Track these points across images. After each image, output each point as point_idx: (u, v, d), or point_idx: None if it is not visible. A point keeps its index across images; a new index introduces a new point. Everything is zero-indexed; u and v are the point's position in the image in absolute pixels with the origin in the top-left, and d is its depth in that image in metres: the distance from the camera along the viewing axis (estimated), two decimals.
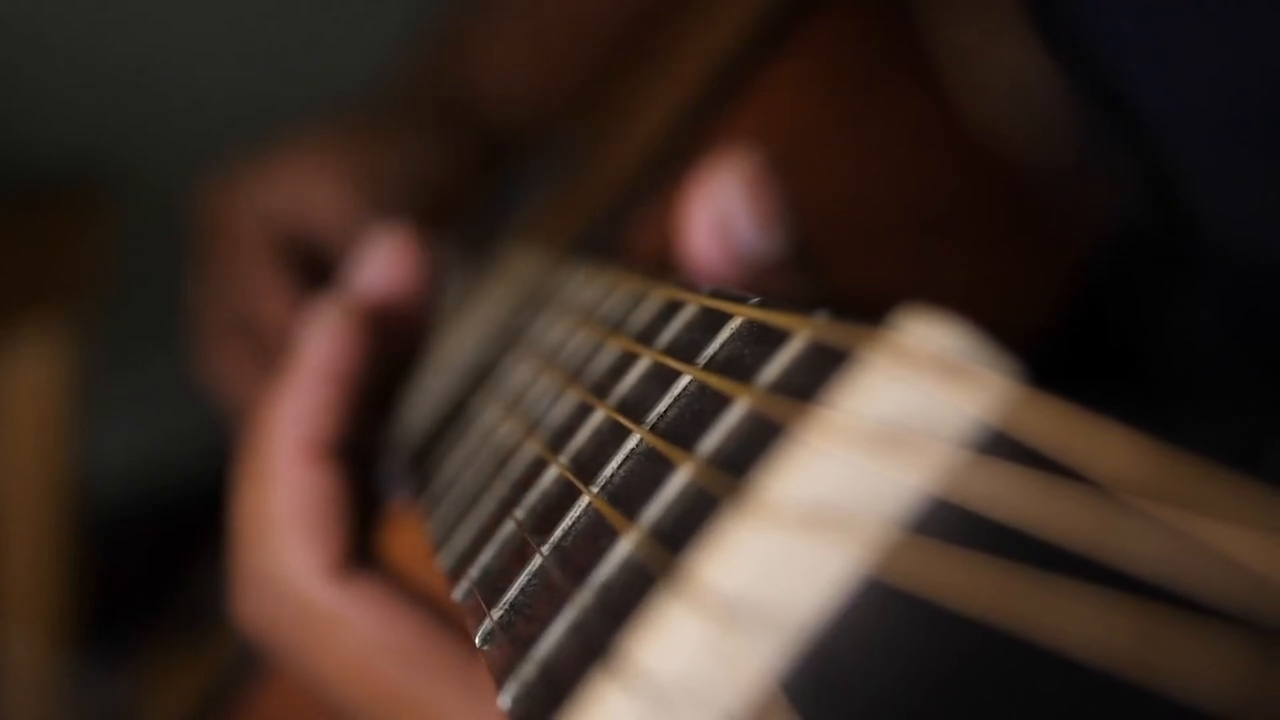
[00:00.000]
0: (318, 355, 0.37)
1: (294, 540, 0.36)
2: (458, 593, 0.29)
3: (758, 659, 0.17)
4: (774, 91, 0.51)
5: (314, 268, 0.68)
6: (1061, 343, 0.39)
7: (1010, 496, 0.15)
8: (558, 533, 0.26)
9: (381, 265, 0.40)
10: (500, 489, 0.30)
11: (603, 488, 0.25)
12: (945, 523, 0.16)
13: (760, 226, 0.35)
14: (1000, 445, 0.16)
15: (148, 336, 0.99)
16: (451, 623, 0.36)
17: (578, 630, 0.22)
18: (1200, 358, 0.41)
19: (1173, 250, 0.43)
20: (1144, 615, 0.14)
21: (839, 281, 0.38)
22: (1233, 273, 0.42)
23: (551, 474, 0.28)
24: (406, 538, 0.37)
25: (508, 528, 0.29)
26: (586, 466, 0.27)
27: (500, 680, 0.23)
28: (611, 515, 0.23)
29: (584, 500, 0.25)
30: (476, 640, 0.26)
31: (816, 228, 0.44)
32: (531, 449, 0.30)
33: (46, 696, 0.89)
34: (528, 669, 0.22)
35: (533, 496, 0.28)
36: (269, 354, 0.67)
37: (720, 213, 0.35)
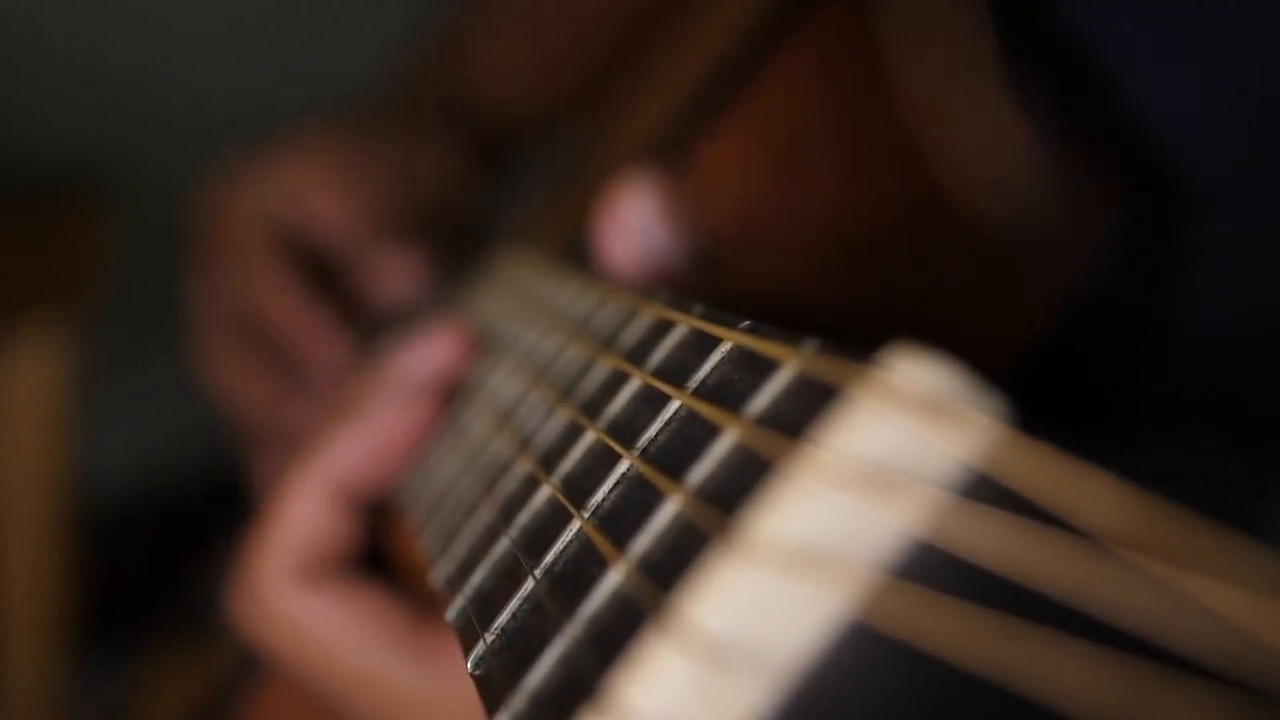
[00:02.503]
0: (388, 420, 0.39)
1: (279, 558, 0.38)
2: (450, 613, 0.29)
3: (743, 701, 0.17)
4: (774, 89, 0.51)
5: (313, 267, 0.68)
6: (1050, 372, 0.39)
7: (995, 543, 0.15)
8: (549, 556, 0.25)
9: (442, 352, 0.42)
10: (493, 506, 0.30)
11: (594, 512, 0.25)
12: (930, 567, 0.16)
13: (666, 234, 0.39)
14: (986, 490, 0.16)
15: (148, 336, 0.99)
16: (410, 603, 0.38)
17: (566, 663, 0.22)
18: (1192, 403, 0.41)
19: (1165, 286, 0.42)
20: (1128, 670, 0.13)
21: (749, 284, 0.41)
22: (1232, 305, 0.42)
23: (543, 494, 0.28)
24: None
25: (501, 546, 0.28)
26: (577, 488, 0.26)
27: (491, 709, 0.23)
28: (602, 544, 0.23)
29: (575, 524, 0.25)
30: (469, 665, 0.26)
31: (812, 231, 0.44)
32: (524, 466, 0.30)
33: (46, 696, 0.89)
34: (519, 700, 0.22)
35: (525, 516, 0.28)
36: (268, 353, 0.67)
37: (633, 220, 0.39)
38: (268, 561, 0.38)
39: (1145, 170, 0.43)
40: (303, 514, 0.38)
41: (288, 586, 0.38)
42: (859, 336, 0.21)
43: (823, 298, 0.41)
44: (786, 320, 0.24)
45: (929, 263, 0.41)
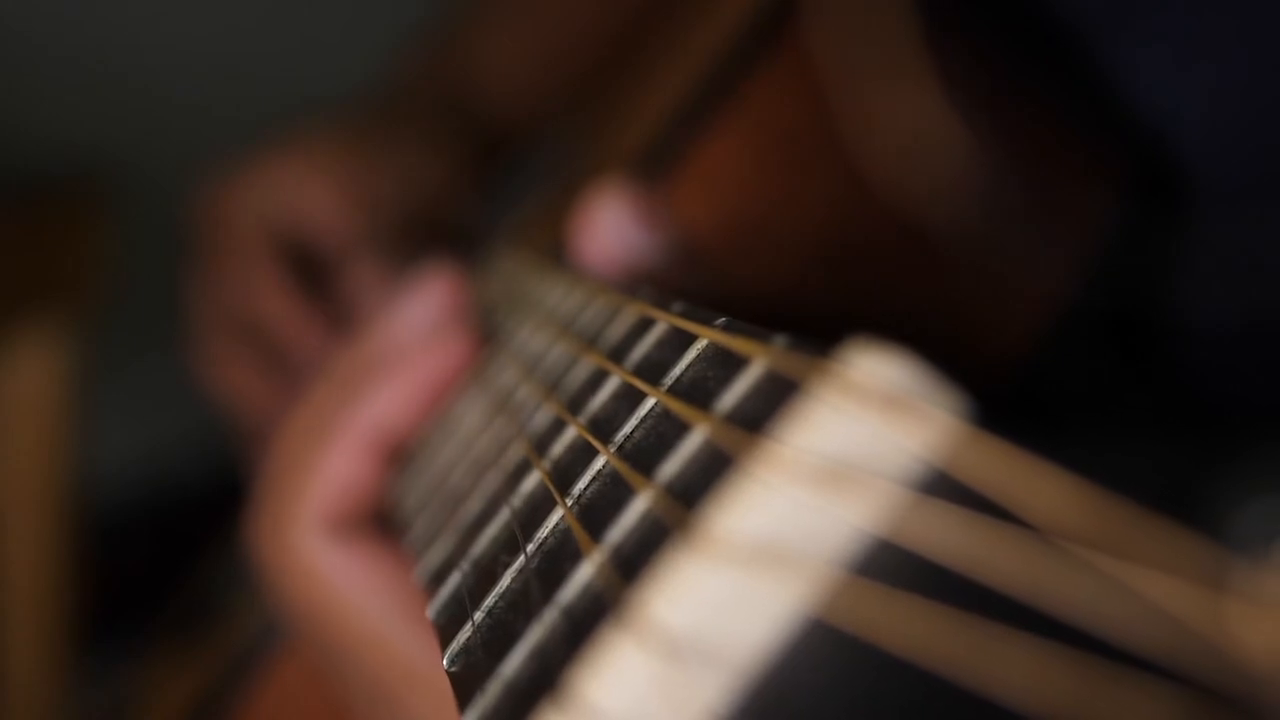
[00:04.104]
0: (423, 362, 0.39)
1: (312, 506, 0.38)
2: (432, 609, 0.29)
3: (703, 697, 0.17)
4: (773, 89, 0.51)
5: (312, 267, 0.68)
6: (1047, 370, 0.39)
7: (952, 539, 0.15)
8: (534, 542, 0.25)
9: (439, 293, 0.42)
10: (481, 497, 0.30)
11: (576, 500, 0.25)
12: (888, 564, 0.16)
13: (641, 236, 0.40)
14: (944, 486, 0.16)
15: (148, 336, 0.99)
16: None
17: (539, 657, 0.22)
18: (1187, 401, 0.41)
19: (1166, 285, 0.42)
20: (1081, 666, 0.13)
21: (746, 282, 0.41)
22: (1234, 304, 0.41)
23: (533, 479, 0.28)
24: None
25: (485, 539, 0.29)
26: (565, 476, 0.26)
27: (463, 702, 0.23)
28: (580, 533, 0.23)
29: (559, 512, 0.25)
30: (445, 661, 0.26)
31: (809, 233, 0.44)
32: (514, 456, 0.30)
33: (46, 696, 0.89)
34: (490, 696, 0.22)
35: (512, 506, 0.28)
36: (267, 353, 0.67)
37: (604, 224, 0.40)
38: (301, 507, 0.38)
39: (1149, 168, 0.43)
40: (342, 464, 0.38)
41: (316, 536, 0.38)
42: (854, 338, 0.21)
43: (819, 300, 0.41)
44: (781, 322, 0.24)
45: (923, 264, 0.41)
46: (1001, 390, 0.37)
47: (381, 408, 0.39)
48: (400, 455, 0.39)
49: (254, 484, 0.42)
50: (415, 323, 0.41)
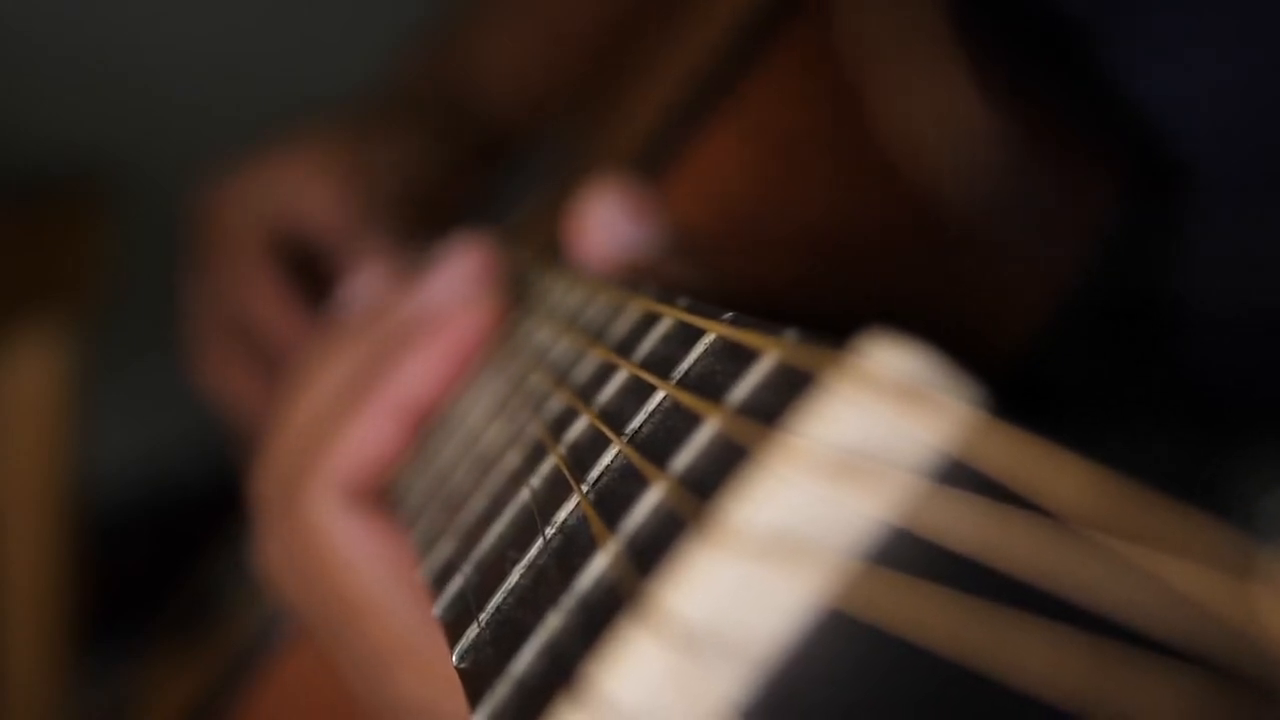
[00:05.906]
0: (463, 329, 0.39)
1: (333, 471, 0.38)
2: (438, 608, 0.29)
3: (719, 689, 0.17)
4: (773, 84, 0.51)
5: (309, 268, 0.68)
6: (1049, 359, 0.39)
7: (968, 528, 0.15)
8: (553, 525, 0.25)
9: (469, 261, 0.41)
10: (490, 491, 0.30)
11: (592, 485, 0.25)
12: (905, 553, 0.16)
13: (636, 231, 0.39)
14: (959, 474, 0.16)
15: (148, 336, 0.99)
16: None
17: (551, 651, 0.22)
18: (1188, 387, 0.41)
19: (1167, 272, 0.42)
20: (1099, 652, 0.13)
21: (735, 272, 0.41)
22: (1235, 292, 0.42)
23: (550, 463, 0.28)
24: None
25: (490, 538, 0.28)
26: (580, 463, 0.26)
27: (474, 700, 0.23)
28: (595, 522, 0.23)
29: (574, 499, 0.25)
30: (454, 658, 0.26)
31: (813, 227, 0.44)
32: (534, 431, 0.30)
33: (46, 696, 0.89)
34: (501, 689, 0.22)
35: (537, 479, 0.28)
36: (263, 354, 0.67)
37: (597, 221, 0.40)
38: (321, 471, 0.38)
39: (1150, 167, 0.43)
40: (369, 431, 0.38)
41: (333, 502, 0.37)
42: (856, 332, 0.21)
43: (819, 296, 0.41)
44: (782, 317, 0.24)
45: (926, 260, 0.41)
46: (1004, 384, 0.37)
47: (411, 377, 0.38)
48: (424, 428, 0.39)
49: (258, 447, 0.42)
50: (447, 293, 0.40)
